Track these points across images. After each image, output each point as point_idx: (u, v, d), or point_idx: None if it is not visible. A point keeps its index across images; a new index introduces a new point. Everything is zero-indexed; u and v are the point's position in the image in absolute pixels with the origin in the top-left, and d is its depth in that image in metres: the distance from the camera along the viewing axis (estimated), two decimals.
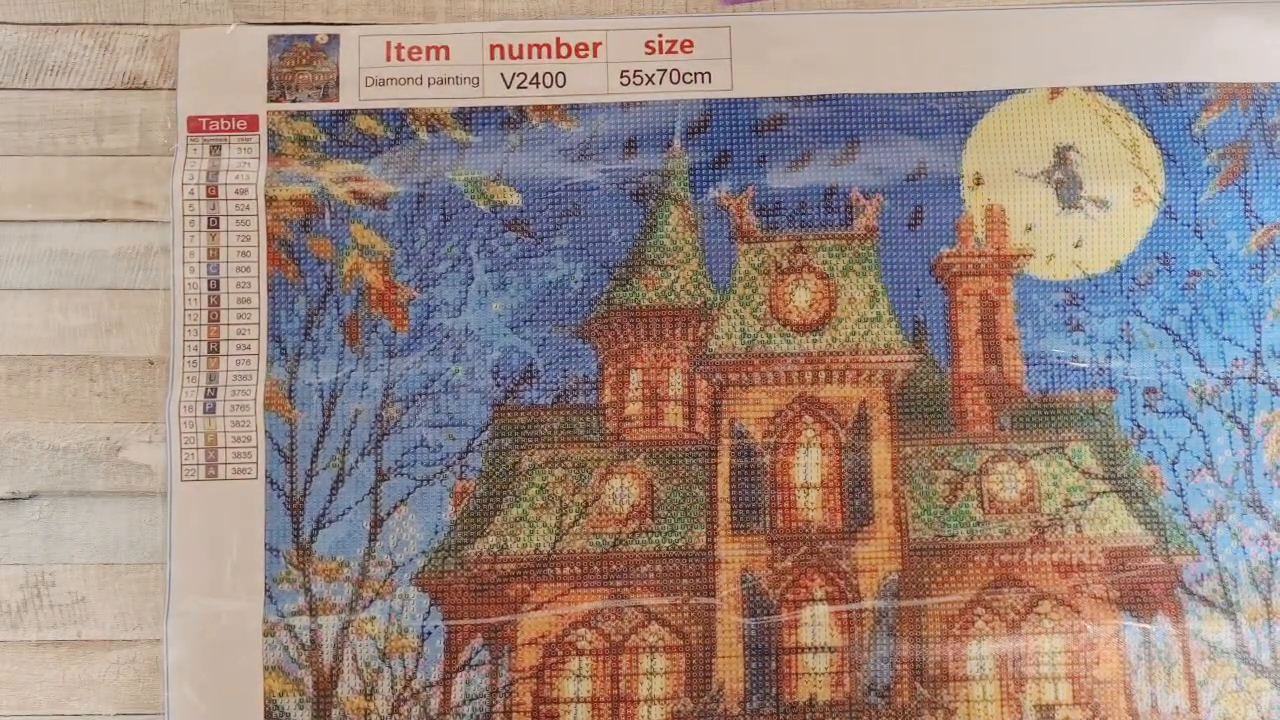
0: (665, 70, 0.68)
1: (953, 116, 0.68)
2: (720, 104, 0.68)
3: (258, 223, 0.66)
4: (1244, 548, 0.65)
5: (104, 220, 0.67)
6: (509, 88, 0.68)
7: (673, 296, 0.67)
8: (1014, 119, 0.68)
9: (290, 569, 0.64)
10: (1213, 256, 0.67)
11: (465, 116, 0.68)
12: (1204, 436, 0.66)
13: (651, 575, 0.65)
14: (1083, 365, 0.66)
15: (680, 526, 0.65)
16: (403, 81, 0.68)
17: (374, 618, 0.64)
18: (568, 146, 0.68)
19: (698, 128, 0.68)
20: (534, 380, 0.66)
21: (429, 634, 0.64)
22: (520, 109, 0.68)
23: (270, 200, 0.66)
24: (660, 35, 0.68)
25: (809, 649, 0.64)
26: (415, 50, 0.68)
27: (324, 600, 0.64)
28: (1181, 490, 0.66)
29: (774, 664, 0.64)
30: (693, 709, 0.64)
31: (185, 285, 0.66)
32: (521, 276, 0.67)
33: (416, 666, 0.64)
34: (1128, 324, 0.67)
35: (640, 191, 0.67)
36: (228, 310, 0.66)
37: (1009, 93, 0.68)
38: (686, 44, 0.68)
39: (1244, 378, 0.66)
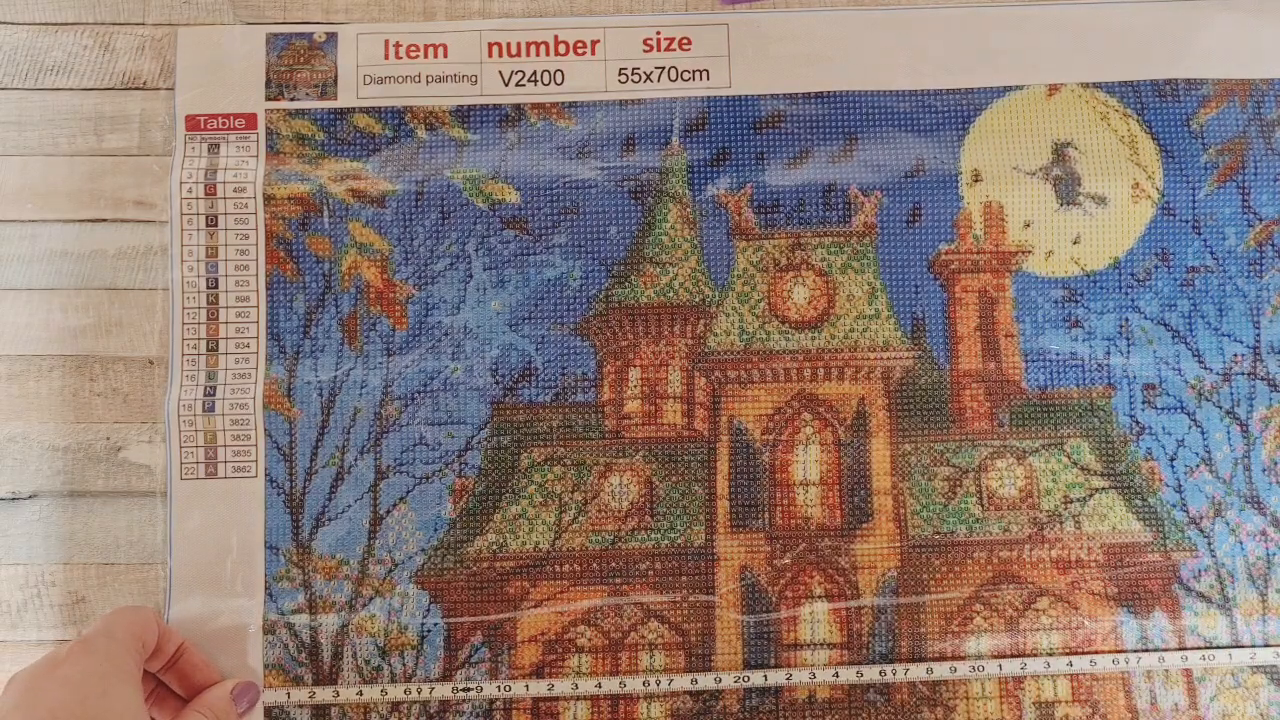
0: (663, 68, 0.68)
1: (951, 113, 0.68)
2: (718, 101, 0.68)
3: (256, 221, 0.66)
4: (1241, 544, 0.65)
5: (104, 220, 0.67)
6: (507, 86, 0.68)
7: (671, 294, 0.67)
8: (1012, 116, 0.68)
9: (290, 567, 0.64)
10: (1211, 253, 0.67)
11: (464, 114, 0.68)
12: (1202, 432, 0.66)
13: (651, 572, 0.65)
14: (1081, 362, 0.66)
15: (679, 524, 0.65)
16: (401, 80, 0.68)
17: (374, 615, 0.64)
18: (566, 144, 0.68)
19: (696, 125, 0.68)
20: (533, 378, 0.66)
21: (429, 632, 0.64)
22: (519, 107, 0.68)
23: (269, 198, 0.67)
24: (658, 33, 0.69)
25: (808, 646, 0.64)
26: (413, 48, 0.68)
27: (324, 598, 0.64)
28: (1180, 486, 0.66)
29: (773, 661, 0.64)
30: (692, 706, 0.64)
31: (184, 284, 0.66)
32: (520, 274, 0.67)
33: (416, 664, 0.64)
34: (1126, 320, 0.67)
35: (639, 189, 0.67)
36: (226, 309, 0.66)
37: (1007, 89, 0.68)
38: (685, 42, 0.68)
39: (1243, 374, 0.66)
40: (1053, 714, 0.64)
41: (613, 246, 0.67)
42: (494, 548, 0.65)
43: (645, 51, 0.68)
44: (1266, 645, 0.64)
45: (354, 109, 0.68)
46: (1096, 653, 0.64)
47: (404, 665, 0.64)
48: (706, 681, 0.63)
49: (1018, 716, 0.64)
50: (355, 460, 0.65)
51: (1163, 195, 0.67)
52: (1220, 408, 0.66)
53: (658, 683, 0.63)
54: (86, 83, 0.68)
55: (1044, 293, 0.67)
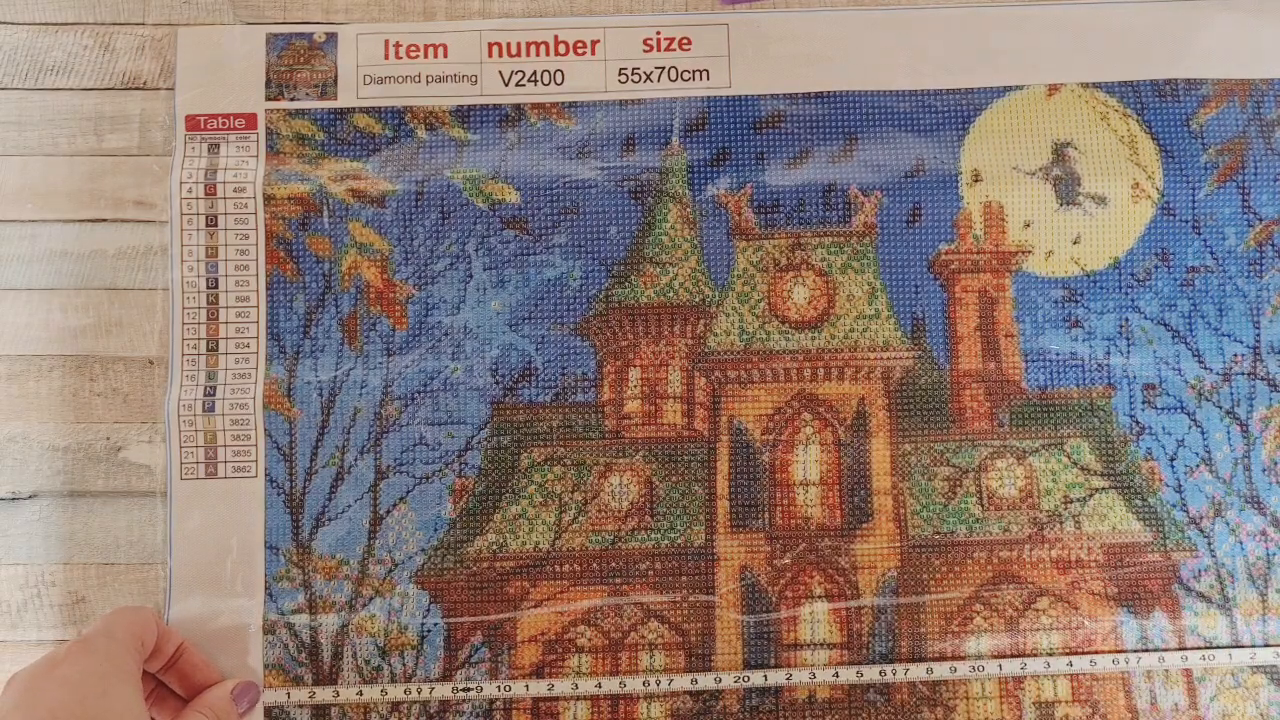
0: (663, 68, 0.68)
1: (951, 113, 0.68)
2: (718, 101, 0.68)
3: (256, 221, 0.66)
4: (1241, 544, 0.65)
5: (104, 220, 0.67)
6: (507, 86, 0.68)
7: (671, 294, 0.67)
8: (1012, 115, 0.68)
9: (290, 567, 0.64)
10: (1211, 253, 0.67)
11: (464, 114, 0.68)
12: (1202, 432, 0.66)
13: (651, 572, 0.65)
14: (1081, 362, 0.66)
15: (679, 524, 0.65)
16: (401, 80, 0.68)
17: (374, 615, 0.64)
18: (566, 144, 0.68)
19: (696, 125, 0.68)
20: (533, 378, 0.66)
21: (429, 632, 0.64)
22: (519, 107, 0.68)
23: (269, 198, 0.67)
24: (658, 33, 0.69)
25: (808, 646, 0.64)
26: (413, 48, 0.68)
27: (324, 598, 0.64)
28: (1180, 486, 0.66)
29: (773, 661, 0.64)
30: (692, 706, 0.64)
31: (184, 284, 0.66)
32: (520, 274, 0.67)
33: (416, 664, 0.64)
34: (1126, 320, 0.67)
35: (639, 189, 0.67)
36: (226, 309, 0.66)
37: (1007, 89, 0.68)
38: (685, 42, 0.68)
39: (1243, 374, 0.66)
40: (1053, 714, 0.64)
41: (613, 246, 0.67)
42: (494, 548, 0.65)
43: (645, 51, 0.68)
44: (1266, 645, 0.64)
45: (354, 109, 0.68)
46: (1096, 653, 0.64)
47: (404, 665, 0.64)
48: (706, 681, 0.63)
49: (1018, 716, 0.64)
50: (355, 460, 0.65)
51: (1163, 195, 0.67)
52: (1220, 408, 0.66)
53: (658, 683, 0.63)
54: (86, 83, 0.68)
55: (1044, 293, 0.67)
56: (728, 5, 0.69)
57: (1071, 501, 0.65)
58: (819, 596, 0.65)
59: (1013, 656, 0.64)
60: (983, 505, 0.65)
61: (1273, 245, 0.67)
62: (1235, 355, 0.67)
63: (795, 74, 0.68)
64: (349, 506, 0.65)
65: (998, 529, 0.65)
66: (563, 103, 0.68)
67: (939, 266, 0.67)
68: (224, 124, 0.67)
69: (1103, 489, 0.66)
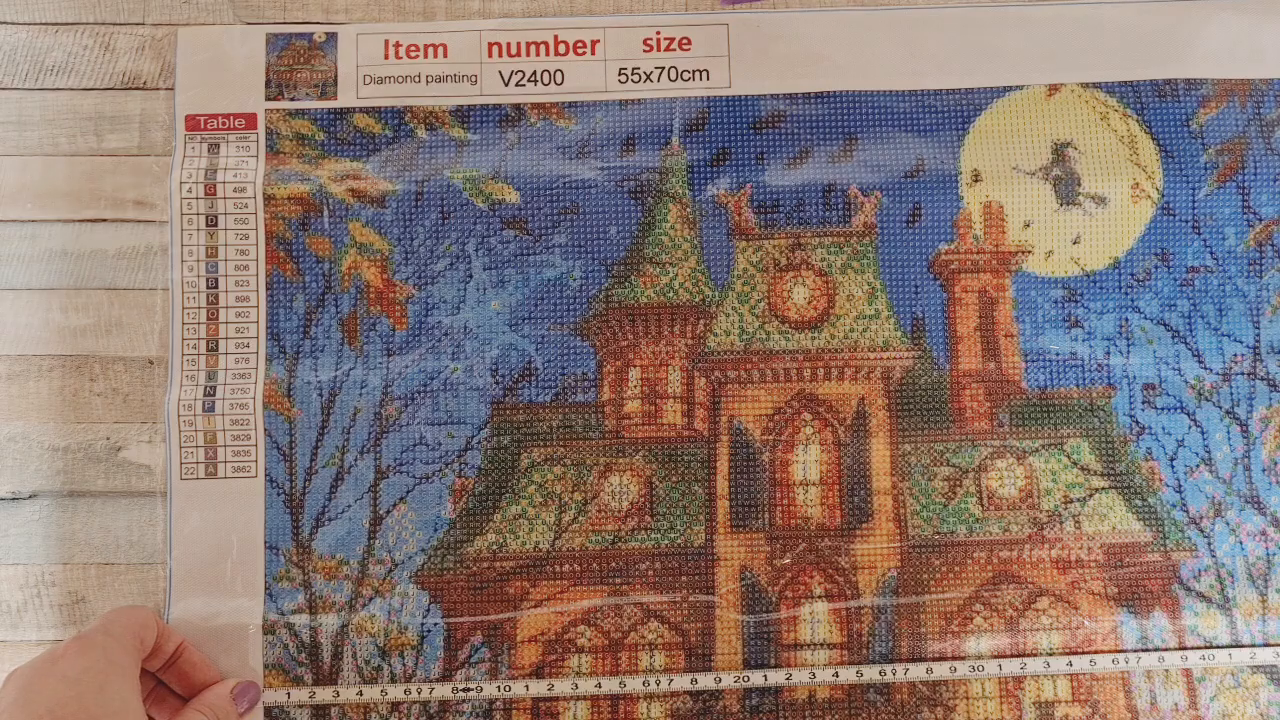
0: (663, 68, 0.68)
1: (951, 113, 0.68)
2: (718, 101, 0.68)
3: (256, 221, 0.66)
4: (1241, 544, 0.65)
5: (104, 220, 0.67)
6: (507, 86, 0.68)
7: (671, 294, 0.67)
8: (1012, 116, 0.68)
9: (290, 567, 0.64)
10: (1211, 253, 0.67)
11: (463, 114, 0.68)
12: (1202, 432, 0.66)
13: (650, 572, 0.65)
14: (1081, 362, 0.67)
15: (679, 524, 0.65)
16: (401, 80, 0.68)
17: (374, 615, 0.64)
18: (566, 144, 0.68)
19: (696, 125, 0.68)
20: (533, 378, 0.66)
21: (429, 632, 0.64)
22: (518, 107, 0.68)
23: (269, 198, 0.67)
24: (658, 33, 0.69)
25: (808, 646, 0.64)
26: (413, 48, 0.68)
27: (324, 598, 0.64)
28: (1180, 486, 0.66)
29: (773, 661, 0.64)
30: (692, 706, 0.64)
31: (184, 284, 0.66)
32: (520, 274, 0.67)
33: (416, 664, 0.64)
34: (1126, 320, 0.67)
35: (638, 189, 0.67)
36: (226, 309, 0.66)
37: (1007, 89, 0.68)
38: (685, 41, 0.68)
39: (1242, 374, 0.66)
40: (1053, 714, 0.64)
41: (613, 246, 0.67)
42: (494, 548, 0.65)
43: (645, 51, 0.68)
44: (1266, 645, 0.64)
45: (354, 109, 0.68)
46: (1096, 653, 0.64)
47: (404, 665, 0.64)
48: (706, 681, 0.63)
49: (1018, 716, 0.64)
50: (355, 460, 0.65)
51: (1163, 195, 0.67)
52: (1220, 408, 0.66)
53: (658, 683, 0.63)
54: (86, 83, 0.68)
55: (1044, 293, 0.67)
56: (728, 5, 0.69)
57: (1071, 501, 0.65)
58: (819, 596, 0.65)
59: (1013, 656, 0.64)
60: (983, 505, 0.65)
61: (1273, 245, 0.67)
62: (1235, 355, 0.67)
63: (795, 74, 0.68)
64: (349, 506, 0.65)
65: (998, 529, 0.65)
66: (563, 103, 0.68)
67: (939, 266, 0.67)
68: (224, 124, 0.67)
69: (1103, 489, 0.66)
